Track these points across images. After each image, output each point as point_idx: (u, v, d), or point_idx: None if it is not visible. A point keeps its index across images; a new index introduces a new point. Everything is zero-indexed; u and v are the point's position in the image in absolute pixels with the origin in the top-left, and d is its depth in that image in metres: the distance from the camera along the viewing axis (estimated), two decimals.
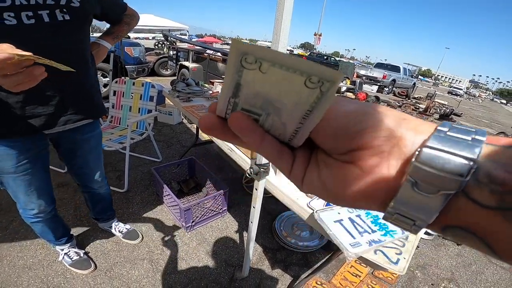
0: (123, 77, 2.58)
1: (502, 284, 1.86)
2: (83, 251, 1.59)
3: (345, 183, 0.19)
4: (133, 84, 2.44)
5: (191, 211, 1.77)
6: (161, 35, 8.18)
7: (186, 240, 1.79)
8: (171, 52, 6.24)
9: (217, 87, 2.30)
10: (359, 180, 0.18)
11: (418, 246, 2.03)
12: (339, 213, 0.69)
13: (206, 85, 2.38)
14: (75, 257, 1.51)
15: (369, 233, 0.62)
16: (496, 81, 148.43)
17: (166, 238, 1.79)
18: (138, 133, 2.38)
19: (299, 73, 0.16)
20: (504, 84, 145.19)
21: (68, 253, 1.51)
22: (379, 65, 16.05)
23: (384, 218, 0.19)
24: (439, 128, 0.17)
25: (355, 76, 12.21)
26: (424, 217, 0.17)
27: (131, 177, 2.31)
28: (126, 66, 4.79)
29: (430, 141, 0.16)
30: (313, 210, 0.73)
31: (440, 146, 0.16)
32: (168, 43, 7.27)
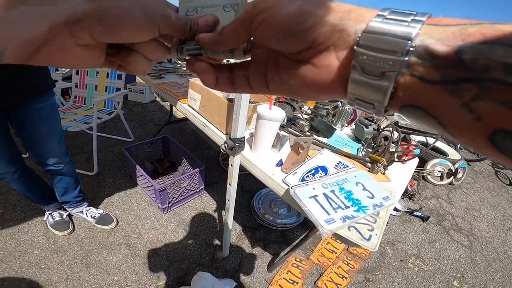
0: None
1: (462, 261, 2.02)
2: (67, 213, 1.62)
3: (304, 81, 0.21)
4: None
5: (166, 192, 1.74)
6: None
7: (163, 222, 1.77)
8: None
9: None
10: (315, 75, 0.20)
11: (388, 223, 2.17)
12: (314, 189, 0.70)
13: (180, 61, 2.27)
14: (57, 218, 1.55)
15: (343, 209, 0.64)
16: None
17: (143, 221, 1.75)
18: (106, 113, 2.24)
19: (220, 6, 0.25)
20: None
21: (52, 214, 1.57)
22: None
23: (348, 103, 0.20)
24: (378, 13, 0.18)
25: None
26: (379, 98, 0.18)
27: (101, 159, 2.20)
28: None
29: (369, 26, 0.17)
30: (289, 186, 0.75)
31: (378, 29, 0.17)
32: None
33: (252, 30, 0.21)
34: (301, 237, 1.77)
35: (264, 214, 1.90)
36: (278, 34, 0.20)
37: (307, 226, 1.96)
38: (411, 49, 0.16)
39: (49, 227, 1.56)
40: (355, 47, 0.17)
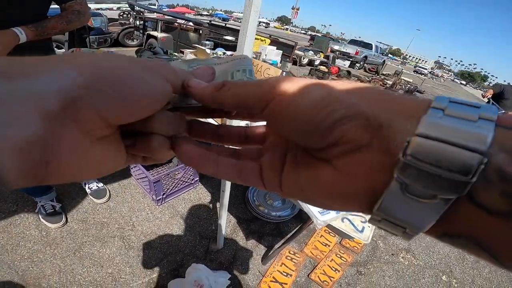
0: (80, 48, 2.35)
1: (451, 257, 2.05)
2: (60, 204, 1.60)
3: (318, 185, 0.16)
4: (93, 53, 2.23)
5: (161, 183, 1.73)
6: (126, 5, 7.51)
7: (157, 214, 1.77)
8: (137, 22, 5.81)
9: (187, 55, 2.18)
10: (335, 181, 0.15)
11: None
12: None
13: (176, 53, 2.24)
14: (50, 210, 1.53)
15: None
16: (459, 63, 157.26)
17: (137, 213, 1.74)
18: None
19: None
20: (467, 67, 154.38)
21: (44, 206, 1.54)
22: (353, 42, 16.52)
23: (370, 222, 0.16)
24: (433, 105, 0.13)
25: (329, 50, 12.35)
26: (417, 225, 0.14)
27: None
28: (84, 36, 4.39)
29: (422, 126, 0.12)
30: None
31: (436, 133, 0.12)
32: (134, 13, 6.74)
33: (264, 115, 0.18)
34: (295, 229, 1.78)
35: (259, 207, 1.91)
36: (298, 126, 0.16)
37: (301, 218, 1.97)
38: (481, 167, 0.11)
39: (41, 219, 1.54)
40: (400, 157, 0.12)
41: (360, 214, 0.69)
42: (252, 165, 0.21)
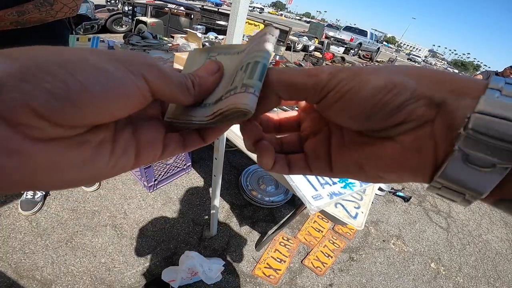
0: None
1: (440, 244, 2.11)
2: (43, 194, 1.60)
3: (386, 162, 0.17)
4: (77, 40, 2.14)
5: (152, 169, 1.70)
6: None
7: (150, 201, 1.75)
8: (126, 8, 5.61)
9: (178, 40, 2.11)
10: (399, 156, 0.16)
11: (372, 202, 2.22)
12: None
13: (166, 38, 2.17)
14: (28, 197, 1.53)
15: (330, 185, 0.63)
16: (453, 52, 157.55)
17: (129, 200, 1.72)
18: None
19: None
20: (460, 56, 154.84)
21: (27, 192, 1.53)
22: (348, 29, 16.43)
23: (428, 189, 0.17)
24: (491, 86, 0.14)
25: (323, 37, 12.25)
26: (477, 191, 0.14)
27: None
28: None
29: (481, 104, 0.14)
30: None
31: (495, 110, 0.13)
32: None
33: (321, 105, 0.18)
34: (289, 215, 1.79)
35: (252, 191, 1.90)
36: (363, 113, 0.16)
37: (294, 204, 1.97)
38: None
39: (19, 203, 1.53)
40: (461, 131, 0.14)
41: (354, 199, 0.68)
42: (298, 156, 0.22)
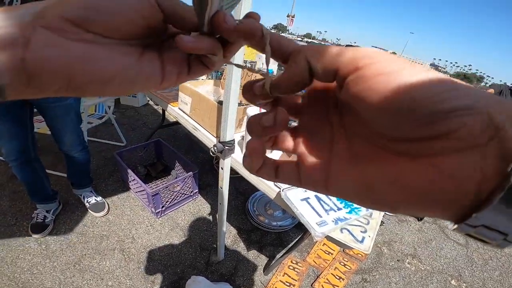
0: None
1: (459, 260, 2.02)
2: (53, 217, 1.63)
3: (410, 187, 0.13)
4: None
5: (159, 196, 1.72)
6: None
7: (157, 227, 1.75)
8: None
9: None
10: (434, 184, 0.13)
11: (383, 222, 2.17)
12: (305, 191, 0.69)
13: None
14: (39, 220, 1.56)
15: (335, 211, 0.63)
16: (454, 65, 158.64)
17: (136, 226, 1.73)
18: (96, 117, 2.23)
19: None
20: (462, 68, 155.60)
21: (38, 215, 1.57)
22: (349, 47, 16.76)
23: (457, 230, 0.13)
24: None
25: None
26: None
27: (93, 164, 2.16)
28: None
29: None
30: (280, 188, 0.73)
31: None
32: None
33: (340, 89, 0.15)
34: (297, 239, 1.77)
35: (259, 217, 1.89)
36: (403, 102, 0.13)
37: (302, 228, 1.94)
38: None
39: (29, 225, 1.56)
40: None
41: (360, 224, 0.68)
42: (289, 163, 0.19)
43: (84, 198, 1.75)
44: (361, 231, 0.66)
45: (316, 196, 0.69)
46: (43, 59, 0.16)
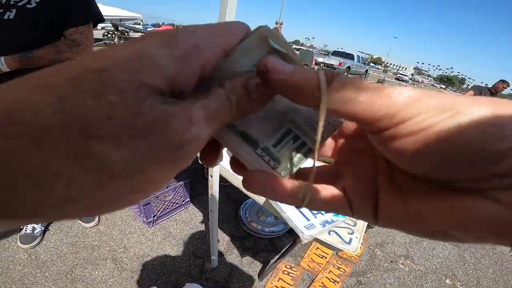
0: None
1: (452, 259, 2.06)
2: (42, 228, 1.59)
3: (474, 222, 0.13)
4: None
5: (151, 205, 1.71)
6: (110, 25, 7.60)
7: (149, 236, 1.74)
8: (122, 42, 5.92)
9: None
10: (501, 218, 0.12)
11: (373, 225, 2.20)
12: None
13: None
14: (28, 231, 1.52)
15: (322, 214, 0.65)
16: (437, 68, 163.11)
17: (128, 236, 1.71)
18: None
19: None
20: (444, 71, 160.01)
21: (26, 226, 1.54)
22: (336, 53, 17.01)
23: None
24: None
25: (313, 63, 12.71)
26: None
27: None
28: None
29: None
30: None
31: None
32: (118, 33, 6.83)
33: (381, 137, 0.14)
34: (289, 244, 1.78)
35: (252, 223, 1.90)
36: (450, 158, 0.12)
37: (294, 233, 1.94)
38: None
39: (18, 235, 1.53)
40: None
41: (347, 226, 0.71)
42: (336, 193, 0.17)
43: None
44: (348, 233, 0.68)
45: None
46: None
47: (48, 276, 1.40)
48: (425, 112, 0.12)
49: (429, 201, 0.14)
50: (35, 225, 1.55)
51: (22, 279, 1.36)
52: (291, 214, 0.64)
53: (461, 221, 0.13)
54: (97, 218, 1.75)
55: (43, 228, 1.60)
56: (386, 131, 0.13)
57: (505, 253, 2.26)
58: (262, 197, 0.85)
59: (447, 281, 1.85)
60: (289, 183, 0.16)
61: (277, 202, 0.67)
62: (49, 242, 1.58)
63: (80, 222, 1.71)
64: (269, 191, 0.16)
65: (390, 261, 1.92)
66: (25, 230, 1.53)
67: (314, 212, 0.67)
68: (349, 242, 0.66)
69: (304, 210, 0.67)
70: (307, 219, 0.64)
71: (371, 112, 0.13)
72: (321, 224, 0.63)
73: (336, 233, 0.68)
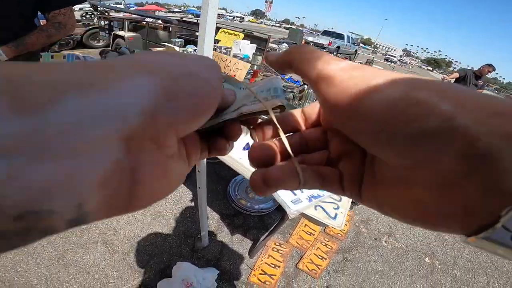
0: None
1: (431, 238, 2.15)
2: None
3: (409, 206, 0.14)
4: (52, 57, 2.14)
5: None
6: (88, 5, 7.17)
7: (138, 217, 1.74)
8: (102, 22, 5.60)
9: None
10: (416, 207, 0.13)
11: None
12: None
13: None
14: None
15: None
16: (425, 50, 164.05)
17: (117, 217, 1.71)
18: None
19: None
20: (432, 53, 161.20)
21: None
22: (326, 33, 16.84)
23: (468, 241, 0.12)
24: None
25: (303, 42, 12.56)
26: None
27: None
28: None
29: None
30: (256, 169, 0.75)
31: None
32: (98, 13, 6.45)
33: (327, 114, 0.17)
34: (278, 221, 1.83)
35: (241, 201, 1.92)
36: (370, 129, 0.13)
37: (283, 209, 1.99)
38: None
39: None
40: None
41: (333, 201, 0.73)
42: (333, 172, 0.18)
43: None
44: (334, 208, 0.70)
45: None
46: (145, 192, 0.14)
47: (40, 263, 1.39)
48: (348, 77, 0.14)
49: (382, 187, 0.15)
50: None
51: (15, 267, 1.35)
52: None
53: (399, 210, 0.15)
54: None
55: None
56: (321, 83, 0.15)
57: None
58: (249, 172, 0.85)
59: (427, 259, 1.93)
60: (285, 168, 0.18)
61: None
62: None
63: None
64: (269, 180, 0.18)
65: (374, 239, 1.99)
66: None
67: None
68: (335, 217, 0.68)
69: None
70: (294, 193, 0.65)
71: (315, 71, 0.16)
72: (307, 198, 0.65)
73: (322, 208, 0.69)
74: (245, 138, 1.06)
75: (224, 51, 2.54)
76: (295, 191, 0.66)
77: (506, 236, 0.10)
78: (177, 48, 2.18)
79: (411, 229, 2.16)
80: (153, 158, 0.13)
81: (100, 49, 5.63)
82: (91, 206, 0.10)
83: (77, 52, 4.02)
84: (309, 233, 1.86)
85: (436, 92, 0.11)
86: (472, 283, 1.81)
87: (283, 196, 0.64)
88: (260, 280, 1.49)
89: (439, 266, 1.90)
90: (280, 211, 1.98)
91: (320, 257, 1.70)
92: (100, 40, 6.26)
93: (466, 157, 0.10)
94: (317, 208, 0.69)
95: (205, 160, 1.11)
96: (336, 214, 0.69)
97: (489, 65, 3.99)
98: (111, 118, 0.10)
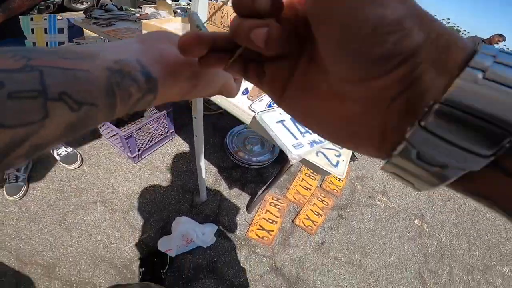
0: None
1: (422, 199, 2.15)
2: (25, 175, 1.54)
3: (335, 122, 0.16)
4: (31, 19, 1.97)
5: (134, 138, 1.64)
6: None
7: (136, 172, 1.73)
8: None
9: (146, 9, 1.96)
10: (349, 118, 0.15)
11: (356, 157, 2.26)
12: (280, 114, 0.68)
13: (133, 9, 2.03)
14: (12, 181, 1.50)
15: (310, 133, 0.63)
16: (434, 16, 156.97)
17: (114, 174, 1.69)
18: None
19: None
20: (441, 21, 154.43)
21: (9, 175, 1.50)
22: None
23: (385, 166, 0.15)
24: (472, 64, 0.11)
25: None
26: (427, 186, 0.14)
27: None
28: None
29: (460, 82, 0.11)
30: (255, 112, 0.71)
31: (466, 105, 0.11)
32: None
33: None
34: (275, 174, 1.83)
35: (239, 153, 1.89)
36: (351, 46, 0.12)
37: (280, 162, 1.99)
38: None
39: (4, 189, 1.48)
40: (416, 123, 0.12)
41: (334, 148, 0.69)
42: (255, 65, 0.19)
43: (53, 150, 1.66)
44: (335, 155, 0.66)
45: (291, 118, 0.67)
46: (201, 87, 0.24)
47: (42, 228, 1.39)
48: None
49: (320, 96, 0.16)
50: (17, 173, 1.50)
51: (19, 234, 1.35)
52: (278, 132, 0.61)
53: (328, 120, 0.16)
54: (79, 159, 1.70)
55: (25, 175, 1.55)
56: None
57: (468, 198, 2.34)
58: (248, 116, 0.82)
59: (416, 221, 1.95)
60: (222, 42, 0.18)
61: (265, 120, 0.64)
62: (35, 190, 1.54)
63: (63, 164, 1.67)
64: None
65: (369, 197, 2.01)
66: (9, 181, 1.49)
67: (302, 131, 0.64)
68: (336, 165, 0.65)
69: (292, 128, 0.64)
70: (295, 137, 0.62)
71: None
72: (309, 143, 0.61)
73: (323, 154, 0.66)
74: (243, 83, 1.00)
75: (223, 1, 2.34)
76: (296, 135, 0.62)
77: (413, 151, 0.12)
78: (169, 2, 1.99)
79: (404, 189, 2.19)
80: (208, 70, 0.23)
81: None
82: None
83: (59, 15, 3.71)
84: (306, 188, 1.87)
85: (419, 26, 0.12)
86: (455, 249, 1.86)
87: (284, 139, 0.61)
88: (258, 236, 1.52)
89: (427, 229, 1.93)
90: (277, 164, 1.97)
91: (316, 213, 1.73)
92: (84, 2, 5.75)
93: (403, 79, 0.12)
94: (319, 155, 0.66)
95: (202, 106, 1.06)
96: (338, 162, 0.66)
97: (500, 35, 3.83)
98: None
